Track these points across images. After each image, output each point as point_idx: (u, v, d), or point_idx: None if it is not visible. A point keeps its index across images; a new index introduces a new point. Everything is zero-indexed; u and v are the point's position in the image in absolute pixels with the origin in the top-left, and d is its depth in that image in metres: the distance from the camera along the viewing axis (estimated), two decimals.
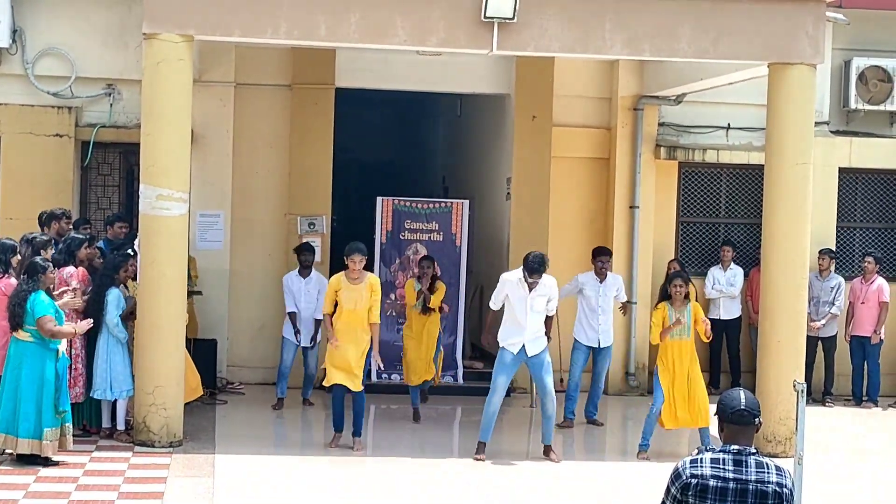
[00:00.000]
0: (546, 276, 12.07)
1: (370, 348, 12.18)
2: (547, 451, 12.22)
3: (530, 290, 11.99)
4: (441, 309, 13.85)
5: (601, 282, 13.94)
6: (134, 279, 12.30)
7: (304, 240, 15.35)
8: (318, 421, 14.12)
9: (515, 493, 11.00)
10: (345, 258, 12.14)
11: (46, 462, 10.88)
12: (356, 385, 12.10)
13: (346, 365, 12.03)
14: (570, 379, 13.99)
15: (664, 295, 12.50)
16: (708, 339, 12.55)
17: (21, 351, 10.84)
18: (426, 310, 13.72)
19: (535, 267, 11.88)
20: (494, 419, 12.20)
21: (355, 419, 12.26)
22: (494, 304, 12.32)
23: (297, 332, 14.39)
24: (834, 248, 16.74)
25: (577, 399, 14.02)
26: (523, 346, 12.06)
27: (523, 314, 12.00)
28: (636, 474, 11.94)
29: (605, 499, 11.09)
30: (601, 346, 13.97)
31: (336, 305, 12.15)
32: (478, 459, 11.99)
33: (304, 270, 14.45)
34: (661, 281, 15.83)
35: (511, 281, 12.14)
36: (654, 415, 12.35)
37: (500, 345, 12.22)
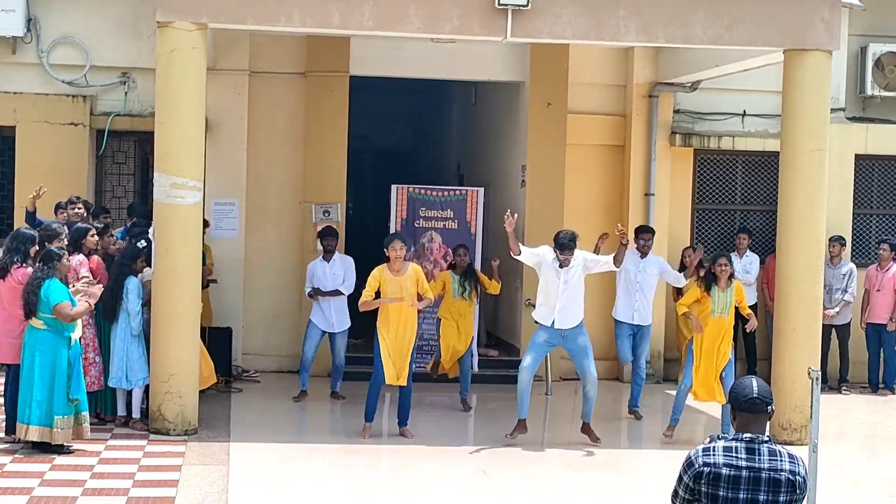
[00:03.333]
0: (577, 252, 12.08)
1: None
2: (586, 428, 12.24)
3: (562, 266, 12.01)
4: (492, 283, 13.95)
5: (642, 258, 13.86)
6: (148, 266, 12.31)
7: (321, 227, 15.38)
8: (334, 410, 14.13)
9: (530, 479, 10.99)
10: (385, 249, 12.07)
11: (62, 450, 10.91)
12: (403, 380, 12.10)
13: (398, 363, 12.01)
14: (623, 360, 13.85)
15: (709, 278, 12.47)
16: (750, 329, 12.93)
17: (34, 339, 10.88)
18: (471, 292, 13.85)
19: (565, 243, 11.91)
20: (527, 396, 12.15)
21: (401, 409, 12.32)
22: (522, 253, 12.02)
23: (317, 291, 14.11)
24: (850, 235, 16.69)
25: (641, 386, 13.93)
26: (554, 321, 12.05)
27: (555, 289, 11.99)
28: (651, 461, 11.93)
29: (618, 486, 11.07)
30: (639, 324, 13.85)
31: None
32: (509, 437, 12.13)
33: (328, 255, 14.26)
34: (676, 268, 15.87)
35: (548, 254, 12.10)
36: (683, 392, 12.42)
37: (536, 322, 12.26)
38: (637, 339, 13.97)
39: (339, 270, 14.15)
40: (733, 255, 16.32)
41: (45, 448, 10.88)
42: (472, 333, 14.10)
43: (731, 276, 12.54)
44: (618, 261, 12.24)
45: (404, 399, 12.30)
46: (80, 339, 11.27)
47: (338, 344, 14.29)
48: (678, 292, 15.06)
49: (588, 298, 12.53)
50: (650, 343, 16.28)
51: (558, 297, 12.02)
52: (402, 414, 12.34)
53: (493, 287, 13.94)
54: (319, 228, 14.87)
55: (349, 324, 14.33)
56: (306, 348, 14.32)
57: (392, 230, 15.78)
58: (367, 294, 12.05)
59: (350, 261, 14.25)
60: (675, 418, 12.55)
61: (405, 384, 12.17)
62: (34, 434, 10.81)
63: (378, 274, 12.09)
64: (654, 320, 16.25)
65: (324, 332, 14.28)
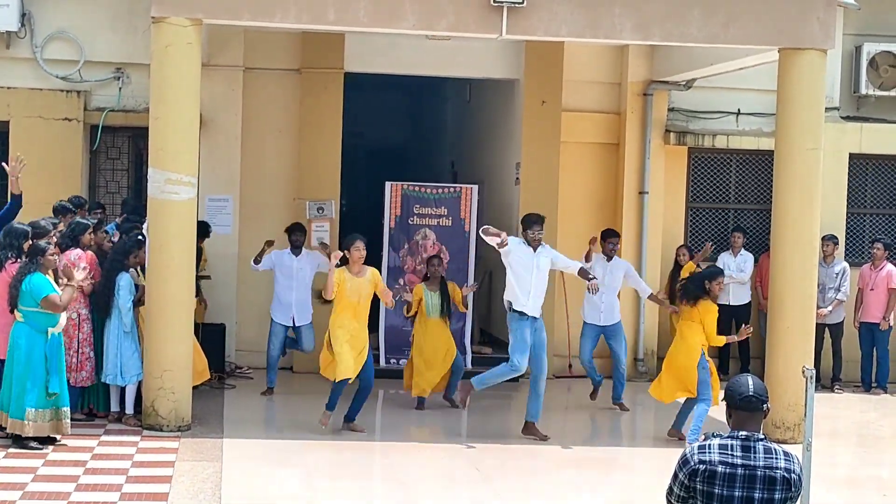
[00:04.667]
0: (548, 247, 12.37)
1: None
2: (530, 428, 12.28)
3: (534, 249, 12.17)
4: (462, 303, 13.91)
5: (608, 261, 14.12)
6: (143, 266, 12.30)
7: (315, 224, 15.42)
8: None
9: (523, 476, 11.00)
10: (346, 250, 12.05)
11: (42, 442, 10.82)
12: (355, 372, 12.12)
13: (355, 356, 12.02)
14: (582, 360, 14.09)
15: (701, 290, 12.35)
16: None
17: (15, 332, 10.87)
18: (444, 314, 13.75)
19: (532, 219, 12.26)
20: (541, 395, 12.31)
21: (355, 406, 12.28)
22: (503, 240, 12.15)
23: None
24: (843, 234, 16.70)
25: (594, 373, 14.18)
26: (529, 307, 12.15)
27: (527, 274, 12.11)
28: (645, 458, 11.94)
29: (615, 482, 11.09)
30: (605, 325, 14.07)
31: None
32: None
33: (295, 250, 14.35)
34: (671, 266, 15.90)
35: (515, 241, 12.28)
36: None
37: (513, 310, 12.16)
38: (608, 337, 14.17)
39: (307, 265, 14.28)
40: (728, 254, 16.40)
41: (20, 441, 10.81)
42: (454, 351, 13.83)
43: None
44: (583, 271, 12.50)
45: (362, 394, 12.24)
46: (79, 333, 11.24)
47: (305, 337, 14.38)
48: (669, 291, 15.03)
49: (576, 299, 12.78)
50: (644, 342, 16.41)
51: (532, 283, 12.13)
52: (354, 408, 12.28)
53: (460, 308, 13.98)
54: (287, 225, 14.86)
55: (311, 317, 14.37)
56: (271, 347, 14.37)
57: (386, 227, 15.80)
58: (331, 289, 11.94)
59: (319, 258, 14.24)
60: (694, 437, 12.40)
61: (359, 375, 12.11)
62: (8, 426, 10.79)
63: (339, 275, 12.01)
64: (647, 319, 16.35)
65: (287, 328, 14.32)
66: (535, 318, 12.19)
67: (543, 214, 12.53)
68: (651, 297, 14.28)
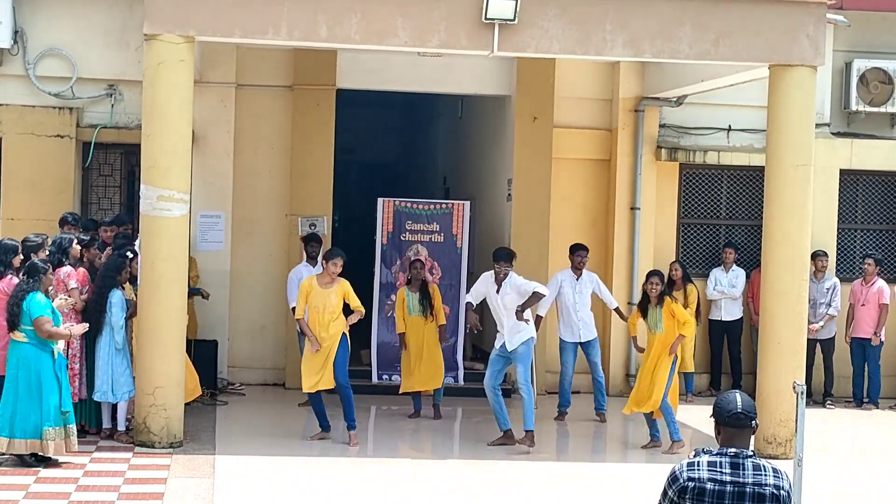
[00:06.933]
0: (515, 276, 12.51)
1: (341, 347, 12.29)
2: (527, 436, 12.40)
3: (497, 288, 12.44)
4: (441, 328, 13.98)
5: (577, 278, 14.32)
6: (133, 282, 12.31)
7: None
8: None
9: (515, 492, 11.00)
10: (324, 262, 12.36)
11: (48, 462, 10.86)
12: (329, 382, 12.24)
13: (318, 367, 12.21)
14: (563, 377, 14.41)
15: (643, 298, 12.92)
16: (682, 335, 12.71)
17: (17, 352, 10.82)
18: (425, 313, 13.89)
19: (499, 254, 12.57)
20: (501, 409, 12.58)
21: (346, 412, 12.37)
22: (469, 297, 12.82)
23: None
24: (834, 250, 16.74)
25: (570, 393, 14.49)
26: (504, 343, 12.49)
27: (497, 311, 12.49)
28: (635, 474, 11.94)
29: (604, 497, 11.09)
30: (584, 341, 14.35)
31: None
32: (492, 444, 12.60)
33: (312, 260, 14.36)
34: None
35: (486, 276, 12.71)
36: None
37: None
38: (586, 351, 14.42)
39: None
40: (719, 270, 16.43)
41: (33, 460, 10.80)
42: (440, 360, 14.03)
43: (664, 293, 12.72)
44: (520, 309, 12.44)
45: (345, 400, 12.34)
46: (68, 349, 11.22)
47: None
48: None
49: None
50: (635, 357, 16.42)
51: (502, 320, 12.46)
52: (348, 417, 12.40)
53: (440, 317, 14.04)
54: (304, 235, 14.99)
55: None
56: None
57: (378, 243, 15.81)
58: (300, 309, 12.33)
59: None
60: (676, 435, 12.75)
61: (331, 386, 12.27)
62: (22, 447, 10.73)
63: (307, 284, 12.36)
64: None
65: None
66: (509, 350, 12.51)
67: (511, 250, 12.93)
68: (616, 310, 14.57)
